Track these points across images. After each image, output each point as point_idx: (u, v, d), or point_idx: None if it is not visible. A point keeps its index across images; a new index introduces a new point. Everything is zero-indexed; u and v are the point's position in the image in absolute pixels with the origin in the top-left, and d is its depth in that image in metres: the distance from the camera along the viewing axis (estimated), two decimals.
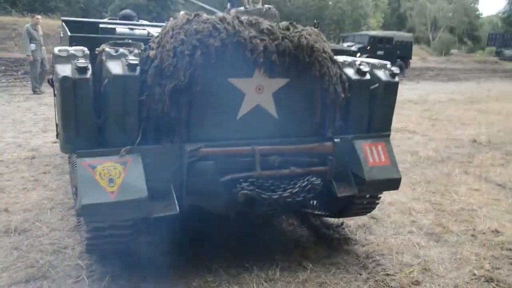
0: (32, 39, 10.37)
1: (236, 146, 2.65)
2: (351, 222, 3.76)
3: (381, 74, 2.99)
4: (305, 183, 2.80)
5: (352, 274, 2.94)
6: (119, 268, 2.82)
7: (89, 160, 2.29)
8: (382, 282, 2.85)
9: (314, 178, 2.83)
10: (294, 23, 2.80)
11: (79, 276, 2.73)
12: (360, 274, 2.94)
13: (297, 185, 2.79)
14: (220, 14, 2.58)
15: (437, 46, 38.71)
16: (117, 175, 2.30)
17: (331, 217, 3.66)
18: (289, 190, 2.76)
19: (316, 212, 3.66)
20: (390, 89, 3.00)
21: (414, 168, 5.42)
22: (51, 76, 2.17)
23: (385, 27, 38.25)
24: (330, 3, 34.14)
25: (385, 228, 3.69)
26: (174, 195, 2.49)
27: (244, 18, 2.61)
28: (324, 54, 2.71)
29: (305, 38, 2.65)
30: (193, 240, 3.22)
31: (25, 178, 4.51)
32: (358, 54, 18.34)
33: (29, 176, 4.55)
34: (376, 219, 3.84)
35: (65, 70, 2.22)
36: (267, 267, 2.92)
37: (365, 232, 3.59)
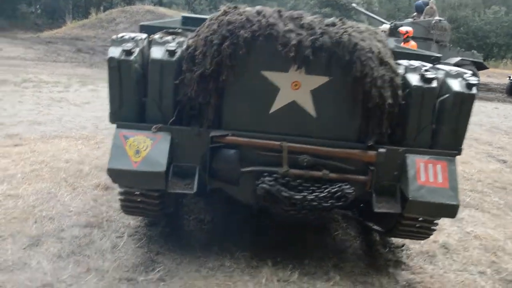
0: None
1: (265, 140, 2.65)
2: (416, 246, 3.35)
3: (454, 84, 2.59)
4: (336, 189, 2.64)
5: None
6: (157, 234, 3.12)
7: (125, 132, 2.60)
8: None
9: (347, 186, 2.64)
10: (344, 19, 2.62)
11: (123, 232, 3.12)
12: None
13: (326, 190, 2.65)
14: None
15: None
16: (144, 148, 2.56)
17: (387, 235, 3.33)
18: (316, 194, 2.64)
19: (375, 227, 3.37)
20: (463, 102, 2.58)
21: None
22: None
23: None
24: None
25: (453, 261, 3.18)
26: (196, 176, 2.63)
27: (287, 12, 2.57)
28: (369, 54, 2.47)
29: (349, 35, 2.46)
30: (233, 225, 3.33)
31: None
32: None
33: None
34: (448, 249, 3.34)
35: (114, 52, 2.55)
36: (289, 268, 2.85)
37: (424, 260, 3.17)
